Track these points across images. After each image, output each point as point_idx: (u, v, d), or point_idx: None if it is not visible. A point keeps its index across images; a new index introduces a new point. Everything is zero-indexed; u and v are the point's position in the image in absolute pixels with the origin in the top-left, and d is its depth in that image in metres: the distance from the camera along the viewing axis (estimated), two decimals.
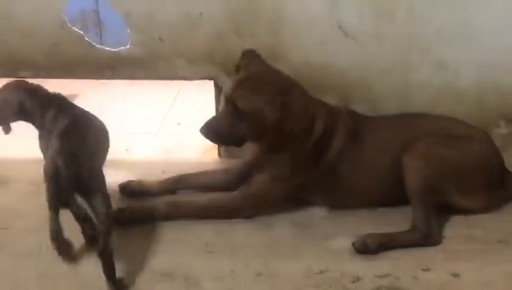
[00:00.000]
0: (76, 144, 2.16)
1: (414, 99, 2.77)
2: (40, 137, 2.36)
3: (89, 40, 2.78)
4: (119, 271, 2.10)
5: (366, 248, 2.22)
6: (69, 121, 2.27)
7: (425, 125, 2.49)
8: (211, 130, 2.31)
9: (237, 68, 2.43)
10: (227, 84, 2.68)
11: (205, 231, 2.35)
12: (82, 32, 2.77)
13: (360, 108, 2.67)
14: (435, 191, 2.32)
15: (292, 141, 2.34)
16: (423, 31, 2.67)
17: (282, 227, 2.38)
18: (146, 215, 2.40)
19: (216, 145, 2.94)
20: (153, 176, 2.67)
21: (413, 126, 2.49)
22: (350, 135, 2.44)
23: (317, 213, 2.46)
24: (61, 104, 2.37)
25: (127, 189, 2.59)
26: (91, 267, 2.13)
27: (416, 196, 2.32)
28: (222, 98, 2.78)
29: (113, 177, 2.66)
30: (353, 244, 2.24)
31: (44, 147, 2.31)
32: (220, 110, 2.41)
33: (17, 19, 2.76)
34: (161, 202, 2.45)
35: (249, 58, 2.42)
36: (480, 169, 2.38)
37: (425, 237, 2.27)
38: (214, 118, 2.36)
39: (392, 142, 2.44)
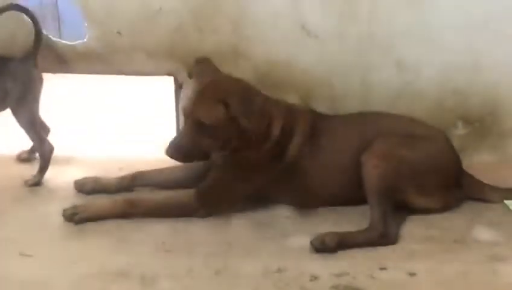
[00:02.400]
0: None
1: (375, 99, 2.79)
2: None
3: (44, 33, 2.71)
4: (73, 270, 2.06)
5: (324, 247, 2.21)
6: None
7: (384, 125, 2.50)
8: (176, 150, 2.27)
9: (190, 76, 2.41)
10: (187, 85, 2.64)
11: (162, 229, 2.31)
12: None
13: (321, 106, 2.68)
14: (392, 190, 2.33)
15: (250, 143, 2.33)
16: (384, 31, 2.69)
17: (241, 225, 2.36)
18: (101, 213, 2.34)
19: None
20: (110, 173, 2.62)
21: (371, 125, 2.50)
22: (309, 134, 2.43)
23: (277, 211, 2.45)
24: None
25: (83, 186, 2.53)
26: None
27: (373, 195, 2.32)
28: (182, 95, 2.75)
29: (70, 174, 2.63)
30: (311, 242, 2.22)
31: None
32: (181, 128, 2.37)
33: None
34: (117, 200, 2.39)
35: (202, 65, 2.38)
36: (438, 169, 2.40)
37: (382, 236, 2.27)
38: (176, 137, 2.32)
39: (351, 141, 2.44)
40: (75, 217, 2.30)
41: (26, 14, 2.55)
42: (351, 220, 2.35)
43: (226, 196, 2.40)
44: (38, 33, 2.55)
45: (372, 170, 2.33)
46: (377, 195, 2.31)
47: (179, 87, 2.79)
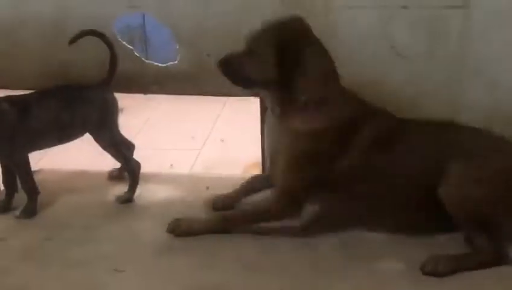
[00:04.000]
0: None
1: (464, 120, 2.71)
2: None
3: (138, 55, 2.79)
4: (164, 285, 2.09)
5: (437, 273, 2.13)
6: None
7: (466, 142, 2.35)
8: (224, 62, 2.37)
9: None
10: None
11: (250, 248, 2.31)
12: (131, 47, 2.80)
13: None
14: (493, 214, 2.20)
15: (306, 111, 2.31)
16: (476, 51, 2.63)
17: (329, 247, 2.33)
18: (201, 228, 2.38)
19: (259, 162, 2.92)
20: (197, 191, 2.66)
21: (452, 143, 2.34)
22: (381, 135, 2.33)
23: (365, 234, 2.40)
24: None
25: (217, 204, 2.57)
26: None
27: (472, 221, 2.21)
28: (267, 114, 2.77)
29: (157, 192, 2.68)
30: (422, 268, 2.15)
31: None
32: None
33: (68, 32, 2.79)
34: (215, 215, 2.45)
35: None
36: None
37: (495, 257, 2.17)
38: (231, 53, 2.39)
39: (429, 154, 2.31)
40: (176, 230, 2.36)
41: (102, 39, 2.56)
42: (443, 244, 2.29)
43: (298, 181, 2.35)
44: (113, 59, 2.56)
45: (466, 197, 2.20)
46: (476, 221, 2.20)
47: (264, 108, 2.81)
